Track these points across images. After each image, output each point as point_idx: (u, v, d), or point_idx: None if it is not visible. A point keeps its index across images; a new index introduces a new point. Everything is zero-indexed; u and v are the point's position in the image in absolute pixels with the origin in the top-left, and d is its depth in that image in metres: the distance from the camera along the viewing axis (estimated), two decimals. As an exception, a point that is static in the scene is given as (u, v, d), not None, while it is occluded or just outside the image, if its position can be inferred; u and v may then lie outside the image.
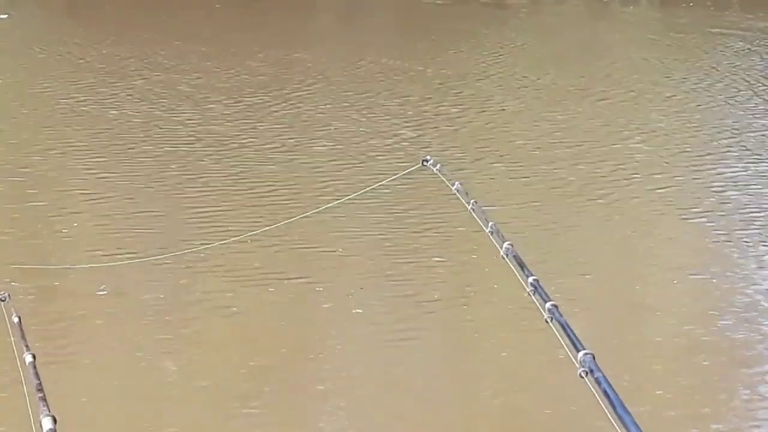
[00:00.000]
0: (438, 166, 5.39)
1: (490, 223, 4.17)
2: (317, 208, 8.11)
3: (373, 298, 7.66)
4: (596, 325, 7.24)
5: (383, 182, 8.01)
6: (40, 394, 3.07)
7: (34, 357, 3.35)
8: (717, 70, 14.51)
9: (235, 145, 10.68)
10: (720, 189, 10.19)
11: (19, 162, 9.88)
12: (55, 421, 2.85)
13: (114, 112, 11.57)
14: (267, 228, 7.90)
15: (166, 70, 13.50)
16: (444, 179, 5.24)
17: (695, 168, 10.72)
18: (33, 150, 10.24)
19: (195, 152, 10.44)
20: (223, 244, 7.76)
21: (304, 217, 7.89)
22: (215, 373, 6.56)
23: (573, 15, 19.89)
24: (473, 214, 4.58)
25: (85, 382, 6.30)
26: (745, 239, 9.07)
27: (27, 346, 3.45)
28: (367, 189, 8.18)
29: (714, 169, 10.77)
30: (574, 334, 3.01)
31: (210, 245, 7.76)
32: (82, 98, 12.03)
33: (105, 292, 7.32)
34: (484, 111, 12.34)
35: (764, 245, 8.94)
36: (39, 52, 14.18)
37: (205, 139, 10.85)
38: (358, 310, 7.43)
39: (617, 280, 8.21)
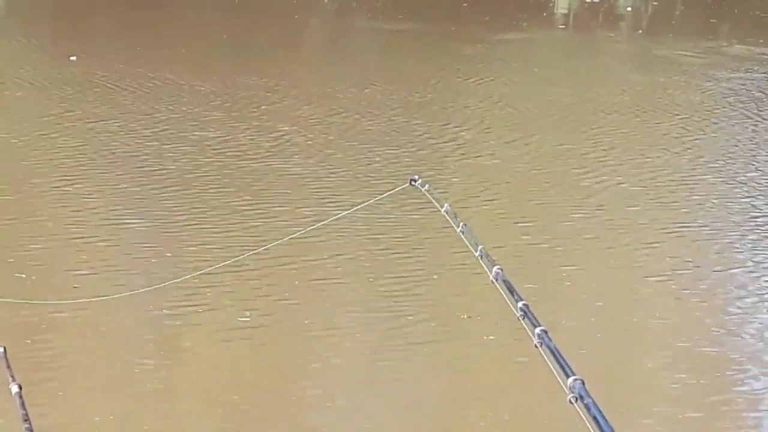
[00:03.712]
0: (426, 186, 5.36)
1: (480, 247, 4.14)
2: (302, 229, 8.07)
3: (358, 322, 7.61)
4: (587, 351, 7.22)
5: (369, 202, 7.98)
6: (27, 425, 3.04)
7: (20, 387, 3.32)
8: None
9: (215, 167, 10.66)
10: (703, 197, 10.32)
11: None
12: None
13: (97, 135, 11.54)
14: (254, 252, 7.85)
15: (147, 92, 13.46)
16: (432, 200, 5.21)
17: (681, 183, 10.81)
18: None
19: (167, 179, 10.36)
20: (206, 272, 7.67)
21: (291, 238, 7.85)
22: (201, 406, 6.52)
23: (561, 42, 20.02)
24: (462, 237, 4.55)
25: (72, 412, 6.25)
26: (734, 246, 9.17)
27: (12, 376, 3.42)
28: (353, 209, 8.16)
29: (699, 182, 10.85)
30: (564, 360, 2.98)
31: (193, 275, 7.67)
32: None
33: (90, 326, 7.24)
34: (470, 131, 12.35)
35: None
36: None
37: (181, 162, 10.83)
38: (341, 336, 7.38)
39: (609, 304, 8.19)
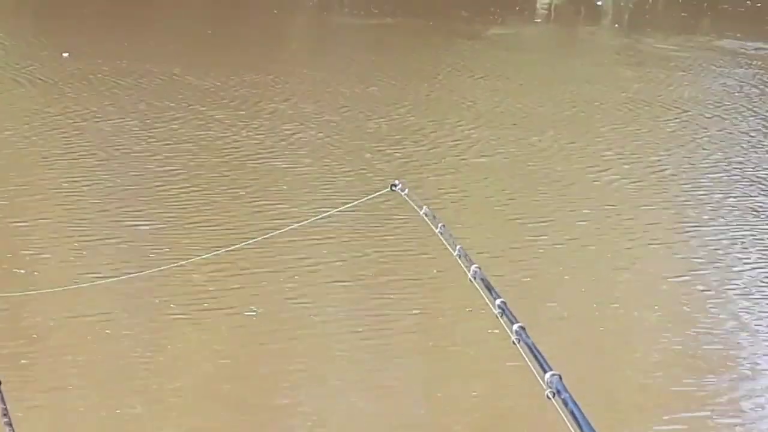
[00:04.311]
0: (406, 190, 5.39)
1: (458, 247, 4.17)
2: (277, 230, 8.08)
3: (337, 323, 7.63)
4: (565, 347, 7.26)
5: (349, 206, 8.00)
6: (6, 419, 3.05)
7: None
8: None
9: (200, 164, 10.68)
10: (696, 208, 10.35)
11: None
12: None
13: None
14: (227, 249, 7.87)
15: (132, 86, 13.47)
16: (412, 203, 5.25)
17: (696, 181, 10.88)
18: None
19: (152, 172, 10.39)
20: (186, 263, 7.72)
21: (265, 238, 7.87)
22: (186, 401, 6.53)
23: (547, 41, 20.11)
24: (441, 237, 4.59)
25: (53, 407, 6.26)
26: (723, 250, 9.23)
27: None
28: (332, 212, 8.17)
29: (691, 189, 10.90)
30: (542, 355, 3.01)
31: (172, 266, 7.72)
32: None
33: (69, 315, 7.27)
34: (454, 135, 12.39)
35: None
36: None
37: (164, 159, 10.83)
38: (321, 338, 7.41)
39: (587, 302, 8.23)
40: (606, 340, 7.71)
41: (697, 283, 8.66)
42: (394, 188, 5.58)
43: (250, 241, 7.94)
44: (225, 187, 10.07)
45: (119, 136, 11.49)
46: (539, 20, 21.66)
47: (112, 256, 8.38)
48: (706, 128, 13.19)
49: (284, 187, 10.19)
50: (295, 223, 8.08)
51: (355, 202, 7.88)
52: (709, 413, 6.72)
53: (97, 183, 10.00)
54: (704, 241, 9.49)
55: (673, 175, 11.31)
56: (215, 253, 7.77)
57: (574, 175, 11.08)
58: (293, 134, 11.94)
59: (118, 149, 11.03)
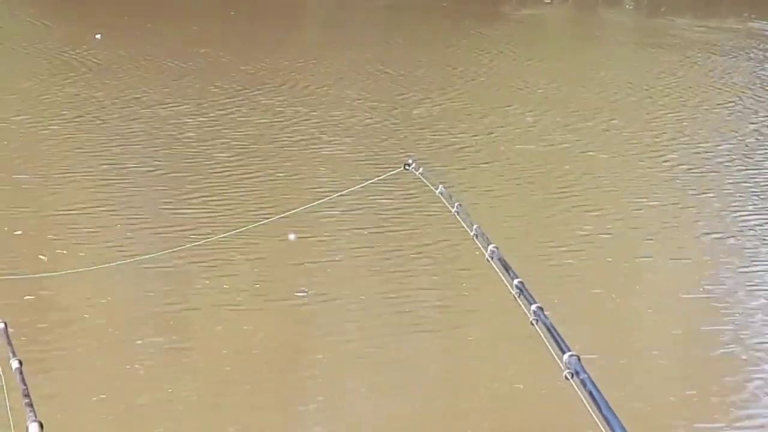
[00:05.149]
0: (420, 169, 5.39)
1: (475, 226, 4.18)
2: (289, 210, 8.09)
3: (355, 303, 7.64)
4: (584, 329, 7.26)
5: (363, 185, 8.01)
6: (27, 400, 3.06)
7: (20, 363, 3.34)
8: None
9: (213, 146, 10.69)
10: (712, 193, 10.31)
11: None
12: (41, 426, 2.83)
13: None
14: (242, 229, 7.92)
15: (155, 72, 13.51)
16: (427, 182, 5.24)
17: (690, 174, 10.82)
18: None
19: (168, 154, 10.42)
20: (205, 242, 7.77)
21: (282, 217, 7.89)
22: (205, 380, 6.55)
23: (568, 21, 20.06)
24: (458, 216, 4.59)
25: (72, 388, 6.28)
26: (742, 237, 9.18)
27: (13, 352, 3.44)
28: (345, 191, 8.18)
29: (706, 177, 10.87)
30: (560, 336, 3.01)
31: (193, 244, 7.77)
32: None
33: (90, 297, 7.31)
34: (470, 116, 12.37)
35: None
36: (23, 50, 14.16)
37: (181, 141, 10.87)
38: (337, 315, 7.43)
39: (605, 285, 8.22)
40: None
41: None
42: (407, 167, 5.58)
43: (271, 219, 7.99)
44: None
45: (173, 121, 11.49)
46: (548, 2, 21.54)
47: (153, 238, 8.40)
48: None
49: (322, 169, 10.18)
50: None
51: (369, 181, 7.90)
52: None
53: (149, 168, 10.04)
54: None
55: (728, 162, 11.19)
56: (230, 233, 7.84)
57: (624, 161, 10.99)
58: (343, 119, 11.91)
59: (170, 135, 11.03)
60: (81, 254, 7.97)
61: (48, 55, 14.28)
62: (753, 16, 19.59)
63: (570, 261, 8.42)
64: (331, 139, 11.17)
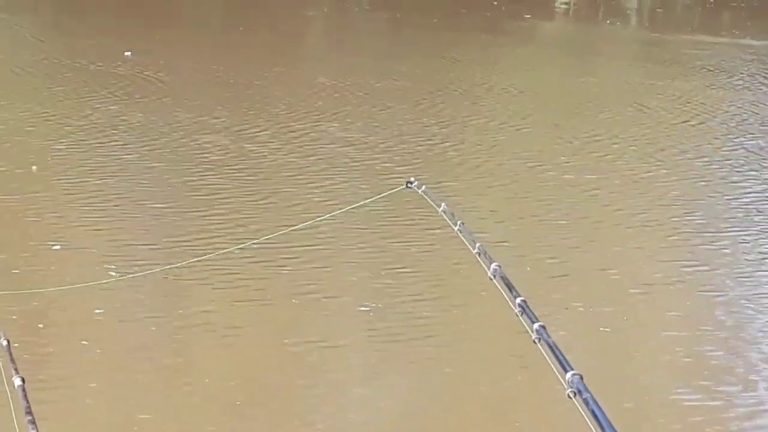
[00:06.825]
0: (423, 187, 5.38)
1: (477, 245, 4.17)
2: (289, 227, 8.08)
3: (357, 319, 7.65)
4: (585, 347, 7.26)
5: (363, 203, 8.01)
6: (29, 417, 3.06)
7: (23, 380, 3.34)
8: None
9: (216, 159, 10.71)
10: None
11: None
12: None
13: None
14: (242, 246, 7.92)
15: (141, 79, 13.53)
16: (430, 201, 5.23)
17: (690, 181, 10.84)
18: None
19: (171, 169, 10.43)
20: (208, 258, 7.76)
21: (278, 234, 7.89)
22: (206, 397, 6.55)
23: (566, 37, 20.10)
24: (460, 235, 4.58)
25: (74, 405, 6.27)
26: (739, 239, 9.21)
27: (16, 369, 3.44)
28: (345, 209, 8.18)
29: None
30: (562, 355, 3.00)
31: (198, 259, 7.77)
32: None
33: (100, 311, 7.30)
34: (470, 131, 12.38)
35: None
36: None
37: (183, 155, 10.87)
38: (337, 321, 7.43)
39: (606, 302, 8.22)
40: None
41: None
42: (409, 186, 5.56)
43: (274, 234, 7.99)
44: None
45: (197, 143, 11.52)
46: (558, 11, 21.57)
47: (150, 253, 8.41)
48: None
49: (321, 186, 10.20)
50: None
51: (370, 200, 7.90)
52: None
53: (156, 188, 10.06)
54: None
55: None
56: (237, 247, 7.84)
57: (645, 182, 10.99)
58: (344, 135, 11.94)
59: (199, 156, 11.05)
60: (80, 269, 7.99)
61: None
62: (748, 36, 19.62)
63: (575, 283, 8.44)
64: (332, 156, 11.18)
